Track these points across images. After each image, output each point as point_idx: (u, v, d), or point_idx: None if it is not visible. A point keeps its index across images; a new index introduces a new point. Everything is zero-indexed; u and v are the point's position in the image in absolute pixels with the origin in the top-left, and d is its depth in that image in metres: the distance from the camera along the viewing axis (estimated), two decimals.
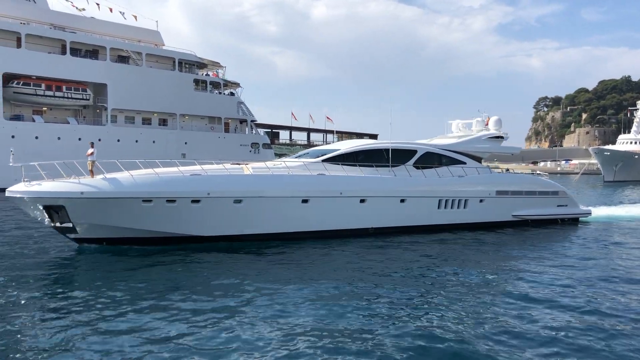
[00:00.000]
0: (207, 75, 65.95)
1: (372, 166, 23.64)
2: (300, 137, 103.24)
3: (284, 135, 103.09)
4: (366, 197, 22.75)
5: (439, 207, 24.89)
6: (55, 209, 18.37)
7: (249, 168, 21.85)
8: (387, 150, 24.28)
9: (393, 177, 23.92)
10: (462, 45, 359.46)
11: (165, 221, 19.30)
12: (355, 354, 9.41)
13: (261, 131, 75.89)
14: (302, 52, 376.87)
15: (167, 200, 19.06)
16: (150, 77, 57.27)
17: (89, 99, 53.54)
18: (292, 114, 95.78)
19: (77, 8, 57.83)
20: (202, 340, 9.98)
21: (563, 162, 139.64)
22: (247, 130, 67.91)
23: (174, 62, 60.38)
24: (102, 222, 18.75)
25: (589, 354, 9.62)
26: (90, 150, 19.71)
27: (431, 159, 25.59)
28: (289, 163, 22.89)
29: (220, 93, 65.83)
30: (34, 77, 49.42)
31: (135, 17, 61.32)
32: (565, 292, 13.73)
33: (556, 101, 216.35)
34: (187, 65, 62.61)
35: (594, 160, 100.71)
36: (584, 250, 20.66)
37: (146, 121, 58.68)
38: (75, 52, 52.44)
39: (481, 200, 26.15)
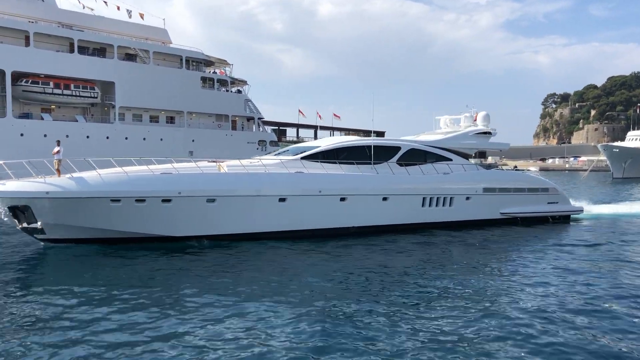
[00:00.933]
0: (214, 73, 66.25)
1: (353, 163, 23.09)
2: (307, 134, 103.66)
3: (291, 133, 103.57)
4: (347, 196, 22.20)
5: (423, 205, 24.33)
6: (20, 209, 18.01)
7: (224, 166, 21.51)
8: (369, 147, 23.74)
9: (375, 174, 23.37)
10: (469, 42, 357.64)
11: (135, 221, 18.87)
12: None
13: (268, 129, 76.20)
14: (308, 50, 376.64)
15: (136, 200, 18.62)
16: (157, 75, 57.79)
17: (96, 97, 54.26)
18: (299, 111, 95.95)
19: (84, 6, 58.68)
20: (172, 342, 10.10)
21: (571, 159, 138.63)
22: (254, 127, 68.30)
23: (181, 60, 60.87)
24: (69, 223, 18.36)
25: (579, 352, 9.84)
26: (56, 149, 19.38)
27: (416, 156, 25.04)
28: (266, 161, 22.45)
29: (227, 91, 66.24)
30: (43, 76, 50.16)
31: (142, 15, 61.90)
32: (552, 293, 13.78)
33: (564, 98, 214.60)
34: (194, 63, 63.05)
35: (602, 157, 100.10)
36: (575, 248, 20.27)
37: (154, 119, 59.29)
38: (83, 50, 53.10)
39: (468, 198, 25.67)
